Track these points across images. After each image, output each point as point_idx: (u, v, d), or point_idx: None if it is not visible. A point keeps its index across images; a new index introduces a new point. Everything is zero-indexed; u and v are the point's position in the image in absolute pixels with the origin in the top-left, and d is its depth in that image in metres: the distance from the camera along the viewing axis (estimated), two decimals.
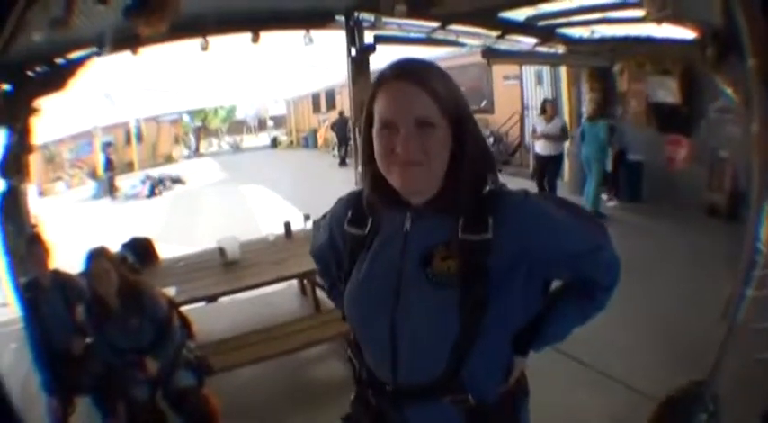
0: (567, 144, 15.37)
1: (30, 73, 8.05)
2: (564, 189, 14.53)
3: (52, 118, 10.63)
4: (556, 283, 2.23)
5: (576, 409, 5.63)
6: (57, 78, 8.17)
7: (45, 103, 8.09)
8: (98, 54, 8.38)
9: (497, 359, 2.09)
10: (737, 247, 4.96)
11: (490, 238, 1.89)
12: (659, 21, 8.48)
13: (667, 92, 13.17)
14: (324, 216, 2.50)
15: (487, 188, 1.99)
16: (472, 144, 1.95)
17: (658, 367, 6.16)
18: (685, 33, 8.90)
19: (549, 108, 13.69)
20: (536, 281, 2.05)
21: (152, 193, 24.46)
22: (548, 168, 13.62)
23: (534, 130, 13.79)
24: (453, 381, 1.98)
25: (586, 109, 14.65)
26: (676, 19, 7.61)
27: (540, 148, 13.45)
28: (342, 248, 2.28)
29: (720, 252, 6.72)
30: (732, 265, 5.14)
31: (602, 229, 2.19)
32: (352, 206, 2.24)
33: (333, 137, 31.64)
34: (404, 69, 1.92)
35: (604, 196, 14.02)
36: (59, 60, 8.28)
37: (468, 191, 1.95)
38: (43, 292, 5.89)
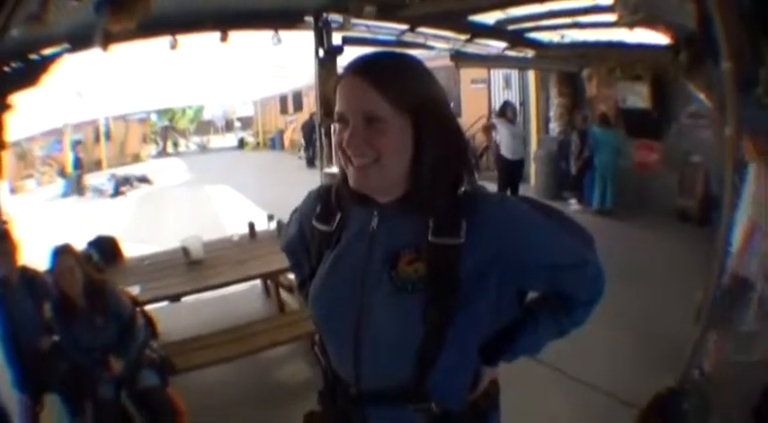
0: (533, 148, 15.50)
1: (5, 68, 8.01)
2: (531, 193, 14.59)
3: (24, 115, 10.58)
4: (533, 294, 2.18)
5: (552, 417, 5.65)
6: (30, 74, 8.11)
7: (18, 100, 8.05)
8: (70, 51, 8.35)
9: (464, 368, 2.03)
10: (709, 251, 4.99)
11: (462, 243, 1.83)
12: (631, 25, 8.51)
13: (638, 97, 13.32)
14: (296, 210, 2.45)
15: (463, 189, 1.94)
16: (438, 141, 1.87)
17: (633, 372, 6.22)
18: (657, 38, 8.93)
19: (511, 111, 13.73)
20: (509, 290, 1.98)
21: (116, 193, 24.35)
22: (513, 172, 13.66)
23: (494, 126, 13.78)
24: (417, 388, 1.91)
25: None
26: (649, 23, 7.63)
27: (508, 151, 13.42)
28: (311, 244, 2.22)
29: (691, 256, 6.76)
30: (704, 269, 5.16)
31: (590, 241, 2.11)
32: (320, 201, 2.18)
33: (299, 138, 31.80)
34: (359, 64, 1.89)
35: (573, 202, 14.17)
36: (33, 56, 8.24)
37: (437, 190, 1.89)
38: (11, 289, 5.84)
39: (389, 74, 1.85)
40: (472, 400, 2.09)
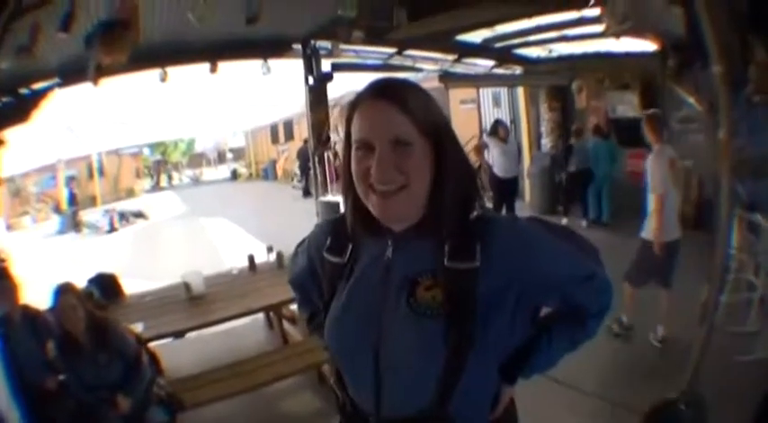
0: (526, 165, 15.47)
1: None
2: (525, 209, 14.59)
3: (17, 151, 10.55)
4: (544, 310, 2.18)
5: None
6: (21, 110, 8.11)
7: (10, 136, 8.04)
8: (60, 85, 8.35)
9: (485, 388, 2.03)
10: (707, 254, 5.00)
11: (478, 266, 1.83)
12: (619, 35, 8.55)
13: (627, 106, 13.33)
14: (302, 242, 2.45)
15: (475, 213, 1.94)
16: (455, 165, 1.90)
17: (640, 379, 6.21)
18: (645, 46, 8.96)
19: (503, 130, 13.63)
20: (525, 308, 1.97)
21: (111, 229, 24.26)
22: (506, 190, 13.56)
23: (486, 145, 13.80)
24: (440, 412, 1.90)
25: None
26: (637, 32, 7.67)
27: (501, 170, 13.34)
28: (322, 276, 2.22)
29: (690, 260, 6.77)
30: (703, 271, 5.17)
31: (596, 254, 2.12)
32: (331, 233, 2.18)
33: (292, 168, 31.75)
34: (380, 88, 1.89)
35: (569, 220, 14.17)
36: (23, 91, 8.23)
37: (453, 215, 1.90)
38: (14, 329, 5.81)
39: (413, 98, 1.86)
40: (493, 420, 2.10)
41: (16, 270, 6.32)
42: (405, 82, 1.95)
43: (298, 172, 29.86)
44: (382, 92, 1.88)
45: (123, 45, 6.26)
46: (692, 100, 6.80)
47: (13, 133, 8.01)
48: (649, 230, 7.23)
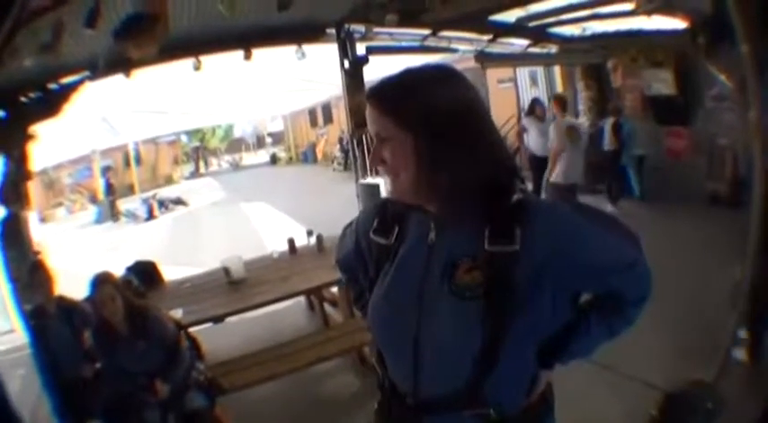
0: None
1: (23, 99, 8.04)
2: None
3: (50, 143, 10.59)
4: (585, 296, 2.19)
5: (594, 410, 5.56)
6: (51, 104, 8.14)
7: (42, 129, 8.07)
8: (91, 78, 8.37)
9: (521, 372, 2.06)
10: (742, 233, 4.94)
11: (517, 250, 1.85)
12: (649, 13, 8.49)
13: (662, 84, 13.17)
14: (350, 224, 2.52)
15: (515, 197, 1.94)
16: (449, 154, 1.90)
17: (673, 359, 6.11)
18: (675, 24, 8.89)
19: (540, 109, 13.65)
20: (564, 293, 2.01)
21: (150, 216, 24.53)
22: (545, 169, 13.40)
23: (525, 129, 13.85)
24: (475, 394, 1.94)
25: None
26: (667, 9, 7.61)
27: (539, 149, 13.21)
28: (368, 257, 2.28)
29: (725, 239, 6.70)
30: (738, 251, 5.12)
31: (636, 242, 2.09)
32: (378, 215, 2.24)
33: (332, 151, 32.03)
34: (371, 89, 2.02)
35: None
36: (52, 85, 8.26)
37: (472, 202, 1.93)
38: (49, 319, 5.86)
39: (391, 96, 1.96)
40: (528, 404, 2.10)
41: (51, 262, 6.37)
42: (396, 78, 2.01)
43: (338, 155, 30.34)
44: (371, 93, 2.01)
45: (153, 38, 6.24)
46: (723, 77, 6.73)
47: (44, 127, 8.06)
48: (552, 175, 10.48)
